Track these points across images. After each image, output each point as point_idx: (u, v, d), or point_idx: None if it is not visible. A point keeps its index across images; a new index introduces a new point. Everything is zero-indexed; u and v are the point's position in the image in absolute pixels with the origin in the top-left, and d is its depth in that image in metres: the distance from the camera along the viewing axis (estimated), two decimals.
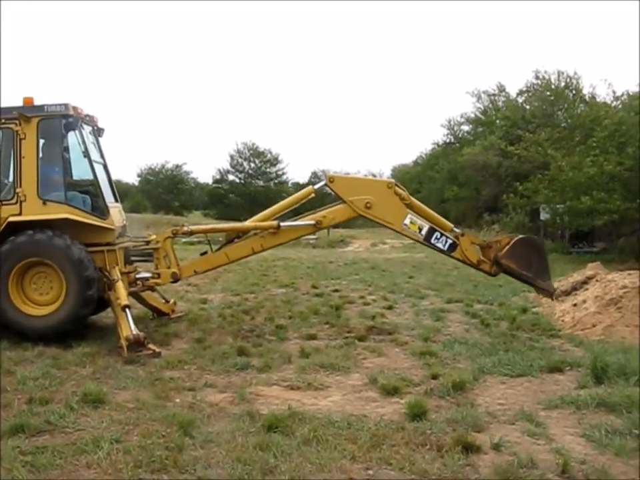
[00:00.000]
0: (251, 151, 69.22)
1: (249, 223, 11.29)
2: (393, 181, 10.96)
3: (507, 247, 10.64)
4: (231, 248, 11.17)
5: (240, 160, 69.14)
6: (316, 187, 11.28)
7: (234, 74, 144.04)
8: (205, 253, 11.43)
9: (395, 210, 10.76)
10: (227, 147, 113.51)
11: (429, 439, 5.80)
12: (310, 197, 11.32)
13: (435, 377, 7.91)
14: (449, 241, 10.75)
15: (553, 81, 39.55)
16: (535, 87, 40.72)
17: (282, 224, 10.87)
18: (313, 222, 10.92)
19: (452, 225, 11.22)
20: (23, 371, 8.11)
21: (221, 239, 11.89)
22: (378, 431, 6.01)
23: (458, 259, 10.98)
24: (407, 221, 10.68)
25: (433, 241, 10.74)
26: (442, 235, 10.75)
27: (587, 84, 44.62)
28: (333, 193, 11.13)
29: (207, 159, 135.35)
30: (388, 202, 10.73)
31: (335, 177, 11.04)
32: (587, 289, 12.73)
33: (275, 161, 69.72)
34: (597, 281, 12.79)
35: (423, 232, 10.71)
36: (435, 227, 10.81)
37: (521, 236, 11.00)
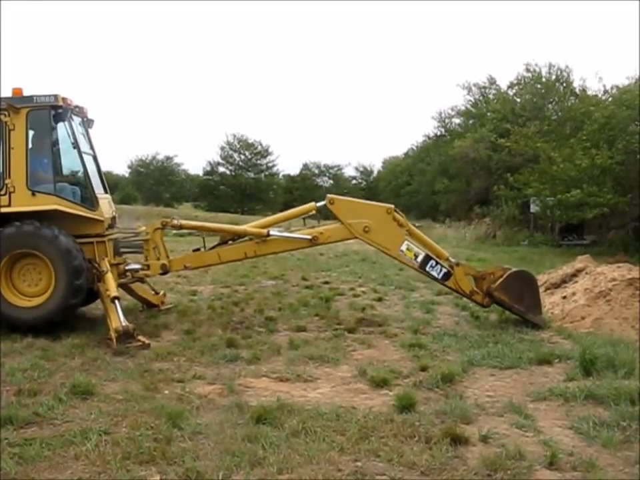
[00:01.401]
0: (241, 143, 69.13)
1: (239, 227, 11.39)
2: (392, 206, 10.94)
3: (500, 279, 10.67)
4: (224, 249, 11.18)
5: (230, 152, 69.04)
6: (318, 204, 11.26)
7: (225, 65, 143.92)
8: (198, 249, 11.41)
9: (392, 236, 10.79)
10: (217, 138, 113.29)
11: (417, 431, 5.81)
12: (311, 213, 11.44)
13: (424, 369, 7.92)
14: (444, 270, 10.76)
15: (543, 73, 39.52)
16: (525, 79, 40.67)
17: (272, 233, 10.87)
18: (309, 237, 10.93)
19: (447, 254, 11.23)
20: (12, 363, 8.09)
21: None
22: (366, 423, 6.01)
23: (451, 288, 11.05)
24: (404, 248, 10.70)
25: (427, 268, 10.75)
26: (437, 263, 10.77)
27: (577, 77, 44.56)
28: (332, 214, 11.10)
29: (198, 151, 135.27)
30: (386, 227, 10.75)
31: (335, 199, 11.02)
32: (576, 282, 12.76)
33: (265, 153, 69.67)
34: (586, 273, 12.82)
35: (419, 259, 10.73)
36: (430, 254, 10.85)
37: (514, 269, 10.97)
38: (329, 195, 11.03)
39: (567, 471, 5.08)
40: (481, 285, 10.92)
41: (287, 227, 12.78)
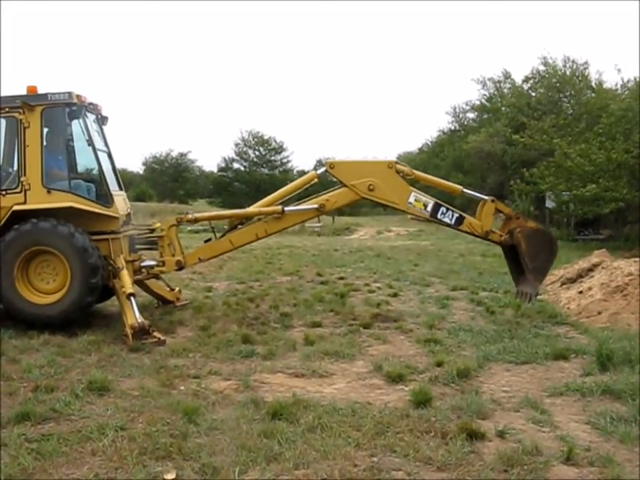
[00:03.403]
0: (256, 139, 69.01)
1: (253, 209, 11.24)
2: (393, 160, 10.86)
3: (530, 227, 10.67)
4: (234, 234, 11.16)
5: (245, 148, 68.97)
6: (319, 172, 11.22)
7: (239, 62, 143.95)
8: (209, 240, 11.43)
9: (398, 189, 10.73)
10: (232, 135, 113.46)
11: (433, 426, 5.79)
12: (313, 182, 11.31)
13: (439, 364, 7.90)
14: (455, 215, 10.73)
15: (559, 67, 39.24)
16: (541, 73, 40.41)
17: (286, 208, 10.86)
18: (316, 206, 10.91)
19: (461, 188, 11.20)
20: (29, 359, 8.14)
21: (225, 226, 11.85)
22: (382, 418, 6.00)
23: (465, 232, 10.96)
24: (412, 199, 10.67)
25: (439, 216, 10.74)
26: (448, 209, 10.73)
27: (593, 70, 44.23)
28: (334, 178, 11.05)
29: (212, 147, 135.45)
30: (391, 182, 10.70)
31: (334, 163, 10.96)
32: (592, 276, 12.71)
33: (279, 149, 69.50)
34: (602, 268, 12.76)
35: (429, 208, 10.71)
36: (440, 202, 10.79)
37: (548, 230, 10.95)
38: (328, 160, 10.89)
39: (584, 466, 5.05)
40: (508, 224, 10.85)
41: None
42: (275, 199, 11.27)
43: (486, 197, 10.97)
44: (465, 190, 11.29)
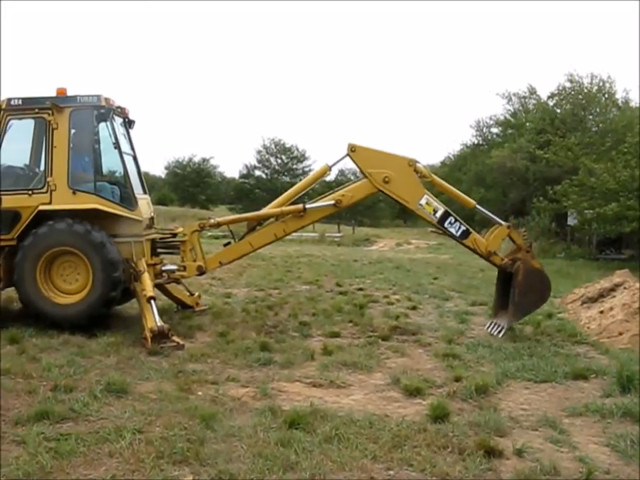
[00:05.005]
0: (278, 147, 69.24)
1: (274, 209, 11.19)
2: (414, 158, 10.79)
3: (534, 265, 10.54)
4: (253, 236, 11.16)
5: (267, 155, 69.18)
6: (331, 163, 11.18)
7: (265, 69, 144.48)
8: (228, 243, 11.45)
9: (412, 188, 10.67)
10: (254, 142, 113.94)
11: (450, 442, 5.75)
12: (326, 175, 11.35)
13: (457, 379, 7.84)
14: (462, 228, 10.66)
15: (585, 84, 39.02)
16: (566, 90, 40.18)
17: (307, 206, 10.86)
18: (332, 202, 10.91)
19: (475, 203, 11.12)
20: (48, 358, 8.21)
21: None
22: (400, 432, 5.97)
23: (468, 247, 10.87)
24: (423, 201, 10.61)
25: (446, 224, 10.66)
26: (456, 220, 10.66)
27: (620, 88, 43.90)
28: (353, 162, 10.93)
29: (234, 154, 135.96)
30: (406, 179, 10.64)
31: (356, 147, 10.77)
32: (614, 297, 12.57)
33: (301, 158, 69.70)
34: (624, 288, 12.62)
35: (438, 214, 10.63)
36: (450, 211, 10.72)
37: (548, 277, 10.79)
38: (350, 142, 10.82)
39: None
40: (514, 253, 10.71)
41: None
42: (289, 196, 11.26)
43: (502, 222, 10.92)
44: (479, 207, 11.19)
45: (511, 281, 10.51)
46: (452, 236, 10.78)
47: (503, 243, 11.00)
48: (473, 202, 11.14)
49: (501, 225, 10.82)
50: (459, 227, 10.64)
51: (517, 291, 10.39)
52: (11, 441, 5.55)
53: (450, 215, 10.65)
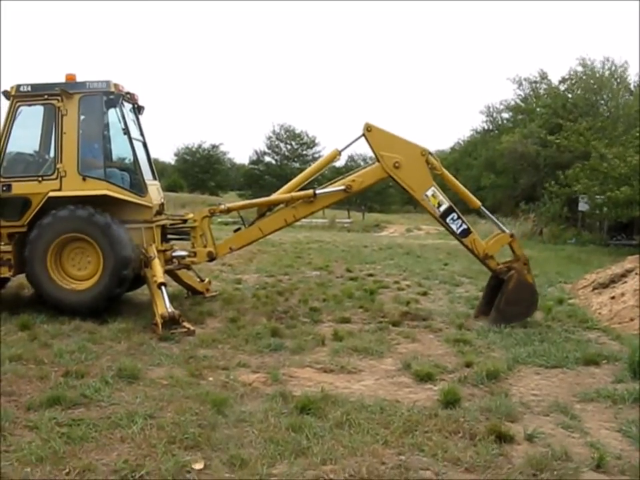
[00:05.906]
0: (288, 133, 69.02)
1: (284, 195, 11.14)
2: (428, 149, 10.74)
3: (527, 279, 10.42)
4: (263, 221, 11.13)
5: (277, 141, 69.00)
6: (341, 148, 11.11)
7: (274, 55, 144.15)
8: (239, 229, 11.44)
9: (421, 178, 10.63)
10: (264, 127, 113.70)
11: (462, 427, 5.75)
12: (336, 160, 11.35)
13: (468, 364, 7.85)
14: (464, 226, 10.61)
15: (597, 68, 38.67)
16: (578, 74, 39.83)
17: (317, 191, 10.83)
18: (342, 187, 10.88)
19: (480, 204, 11.07)
20: (60, 344, 8.24)
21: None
22: (411, 417, 5.97)
23: (466, 247, 10.79)
24: (430, 193, 10.56)
25: (448, 220, 10.60)
26: (459, 217, 10.61)
27: (633, 72, 43.56)
28: (367, 142, 10.84)
29: (244, 140, 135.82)
30: (417, 168, 10.59)
31: (372, 127, 10.72)
32: (625, 282, 12.53)
33: (311, 144, 69.36)
34: (636, 274, 12.57)
35: (442, 208, 10.58)
36: (454, 207, 10.67)
37: (537, 294, 10.67)
38: (366, 122, 10.77)
39: (614, 474, 4.97)
40: (511, 262, 10.61)
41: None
42: (299, 182, 11.22)
43: (506, 230, 10.89)
44: (484, 209, 11.08)
45: (501, 287, 10.45)
46: (452, 232, 10.73)
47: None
48: (479, 203, 11.05)
49: (504, 232, 10.79)
50: (460, 225, 10.59)
51: (504, 299, 10.29)
52: (24, 426, 5.57)
53: (454, 211, 10.60)
